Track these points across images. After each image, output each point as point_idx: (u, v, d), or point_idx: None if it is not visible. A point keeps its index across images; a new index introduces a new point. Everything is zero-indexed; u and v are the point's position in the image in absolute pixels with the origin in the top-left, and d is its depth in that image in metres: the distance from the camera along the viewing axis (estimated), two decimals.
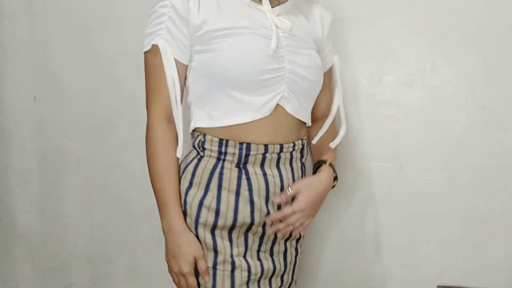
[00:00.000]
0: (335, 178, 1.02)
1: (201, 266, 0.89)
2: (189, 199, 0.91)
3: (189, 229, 0.91)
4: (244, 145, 0.88)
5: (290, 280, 1.03)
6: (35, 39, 1.54)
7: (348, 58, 1.29)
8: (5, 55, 1.57)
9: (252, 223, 0.91)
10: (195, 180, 0.91)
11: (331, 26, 1.06)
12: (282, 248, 0.98)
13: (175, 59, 0.89)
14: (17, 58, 1.57)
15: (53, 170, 1.62)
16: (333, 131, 1.10)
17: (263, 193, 0.91)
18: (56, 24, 1.51)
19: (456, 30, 1.24)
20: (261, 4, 0.91)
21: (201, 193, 0.90)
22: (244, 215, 0.90)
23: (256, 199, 0.90)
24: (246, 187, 0.90)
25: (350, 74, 1.31)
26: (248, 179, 0.90)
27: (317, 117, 1.11)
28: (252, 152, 0.89)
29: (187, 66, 0.92)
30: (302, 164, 1.01)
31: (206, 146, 0.91)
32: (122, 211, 1.59)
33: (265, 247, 0.96)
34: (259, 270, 0.92)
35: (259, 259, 0.94)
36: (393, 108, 1.31)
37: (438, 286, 1.35)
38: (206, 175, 0.90)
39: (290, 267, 1.01)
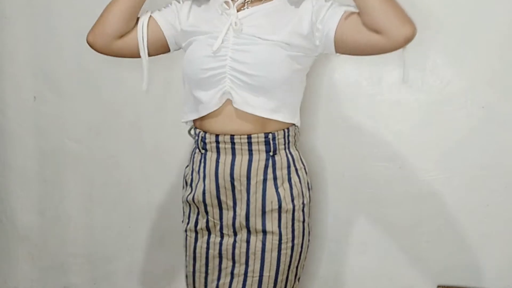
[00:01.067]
0: None
1: None
2: (184, 173, 1.14)
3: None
4: (201, 133, 1.05)
5: (259, 274, 1.02)
6: (35, 39, 1.54)
7: (348, 58, 1.29)
8: (5, 55, 1.57)
9: (204, 202, 1.05)
10: (190, 160, 1.12)
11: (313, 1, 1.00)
12: (245, 237, 1.04)
13: (151, 16, 1.07)
14: (17, 58, 1.57)
15: (53, 170, 1.62)
16: None
17: (213, 177, 1.03)
18: (56, 24, 1.51)
19: (456, 30, 1.24)
20: (230, 8, 1.01)
21: (189, 170, 1.11)
22: (198, 194, 1.05)
23: (207, 181, 1.04)
24: (203, 170, 1.05)
25: (350, 74, 1.31)
26: (205, 163, 1.05)
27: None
28: (207, 140, 1.04)
29: (160, 31, 1.07)
30: (270, 157, 1.03)
31: (192, 133, 1.10)
32: (122, 211, 1.59)
33: (227, 230, 1.05)
34: (217, 247, 1.06)
35: (221, 237, 1.06)
36: (393, 108, 1.31)
37: (438, 286, 1.35)
38: (191, 157, 1.11)
39: (254, 259, 1.02)
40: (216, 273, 1.06)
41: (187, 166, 1.13)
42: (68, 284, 1.69)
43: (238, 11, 1.01)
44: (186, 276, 1.14)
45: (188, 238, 1.10)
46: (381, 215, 1.36)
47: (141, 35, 1.07)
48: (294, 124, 1.07)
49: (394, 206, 1.35)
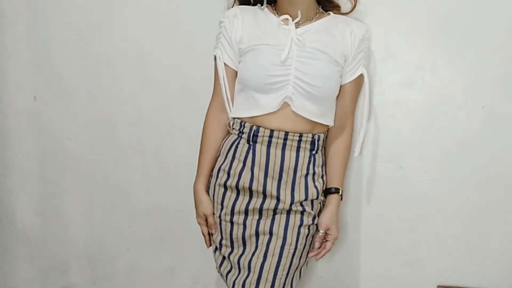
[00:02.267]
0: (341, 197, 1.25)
1: (209, 221, 1.22)
2: (216, 164, 1.22)
3: (210, 187, 1.22)
4: (255, 127, 1.16)
5: (294, 246, 1.15)
6: (35, 39, 1.54)
7: None
8: (5, 55, 1.57)
9: (250, 189, 1.15)
10: (222, 150, 1.22)
11: (362, 41, 1.19)
12: (284, 218, 1.16)
13: (225, 64, 1.21)
14: (17, 58, 1.57)
15: (53, 170, 1.62)
16: (346, 142, 1.25)
17: (263, 167, 1.15)
18: (56, 24, 1.51)
19: (456, 30, 1.24)
20: (288, 24, 1.15)
21: (222, 159, 1.21)
22: (244, 181, 1.16)
23: (256, 170, 1.15)
24: (251, 160, 1.16)
25: None
26: (254, 154, 1.16)
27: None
28: (260, 134, 1.15)
29: (235, 70, 1.21)
30: (313, 154, 1.18)
31: (234, 126, 1.20)
32: (122, 211, 1.59)
33: (267, 212, 1.16)
34: (254, 225, 1.16)
35: (259, 217, 1.16)
36: (393, 108, 1.31)
37: (438, 286, 1.35)
38: (227, 147, 1.20)
39: (292, 233, 1.15)
40: (253, 248, 1.15)
41: (218, 155, 1.23)
42: (68, 284, 1.69)
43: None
44: (216, 249, 1.23)
45: (222, 222, 1.19)
46: (381, 215, 1.36)
47: (223, 85, 1.21)
48: (327, 130, 1.24)
49: (394, 206, 1.35)
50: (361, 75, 1.20)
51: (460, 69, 1.26)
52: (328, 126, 1.22)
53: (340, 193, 1.23)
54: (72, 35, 1.51)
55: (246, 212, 1.17)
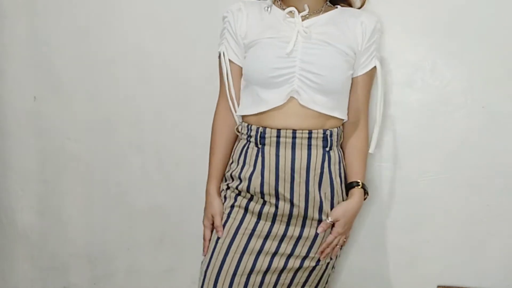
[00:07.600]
0: (366, 193, 1.19)
1: (216, 222, 1.16)
2: (228, 169, 1.20)
3: (222, 191, 1.20)
4: (261, 129, 1.12)
5: (298, 265, 1.13)
6: (35, 39, 1.54)
7: None
8: (5, 55, 1.57)
9: (262, 192, 1.12)
10: (234, 156, 1.19)
11: (373, 32, 1.15)
12: (297, 234, 1.13)
13: (230, 61, 1.17)
14: (17, 58, 1.57)
15: (53, 170, 1.62)
16: (361, 136, 1.21)
17: (273, 169, 1.11)
18: (56, 24, 1.52)
19: (456, 30, 1.24)
20: (294, 17, 1.13)
21: (234, 166, 1.17)
22: (255, 186, 1.12)
23: (266, 174, 1.11)
24: (260, 163, 1.12)
25: None
26: (263, 157, 1.12)
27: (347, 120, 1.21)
28: (267, 135, 1.11)
29: (241, 67, 1.18)
30: (327, 152, 1.13)
31: (242, 130, 1.18)
32: (122, 211, 1.59)
33: (281, 217, 1.13)
34: (266, 229, 1.12)
35: (272, 223, 1.13)
36: (393, 108, 1.31)
37: (438, 286, 1.35)
38: (237, 153, 1.18)
39: (302, 241, 1.12)
40: (254, 256, 1.11)
41: (232, 162, 1.19)
42: (68, 284, 1.69)
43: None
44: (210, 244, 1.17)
45: (232, 213, 1.14)
46: (381, 215, 1.36)
47: (227, 84, 1.18)
48: (342, 125, 1.19)
49: (394, 206, 1.35)
50: (374, 68, 1.17)
51: (460, 69, 1.26)
52: (342, 120, 1.18)
53: (361, 186, 1.17)
54: (72, 35, 1.51)
55: (260, 215, 1.13)
